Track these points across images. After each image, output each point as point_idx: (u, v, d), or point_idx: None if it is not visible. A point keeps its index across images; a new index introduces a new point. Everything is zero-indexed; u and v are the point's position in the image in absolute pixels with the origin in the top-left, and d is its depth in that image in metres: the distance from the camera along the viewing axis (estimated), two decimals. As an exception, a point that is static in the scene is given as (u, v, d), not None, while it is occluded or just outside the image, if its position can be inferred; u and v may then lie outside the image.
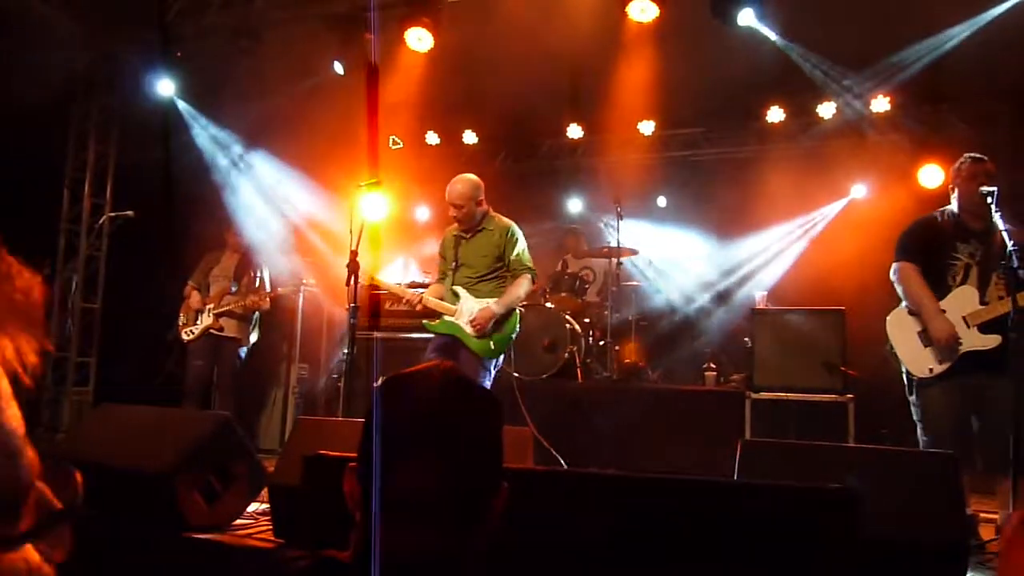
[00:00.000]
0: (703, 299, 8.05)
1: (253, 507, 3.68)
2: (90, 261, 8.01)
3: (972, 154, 3.97)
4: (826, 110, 7.66)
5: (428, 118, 8.55)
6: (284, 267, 6.90)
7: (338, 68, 7.37)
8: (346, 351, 4.53)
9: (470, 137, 9.04)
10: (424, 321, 4.87)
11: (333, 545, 1.09)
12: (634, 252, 7.43)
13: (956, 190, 3.98)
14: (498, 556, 1.09)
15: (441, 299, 4.78)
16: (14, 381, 0.65)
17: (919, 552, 2.42)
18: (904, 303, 3.98)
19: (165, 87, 7.51)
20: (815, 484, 1.99)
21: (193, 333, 6.20)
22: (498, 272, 4.75)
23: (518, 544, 1.36)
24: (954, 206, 4.00)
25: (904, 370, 3.92)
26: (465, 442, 1.06)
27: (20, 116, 6.02)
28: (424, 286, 5.44)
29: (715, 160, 8.61)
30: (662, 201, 8.57)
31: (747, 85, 7.31)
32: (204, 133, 8.04)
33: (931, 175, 6.97)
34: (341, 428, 3.52)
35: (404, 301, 4.69)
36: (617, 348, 6.75)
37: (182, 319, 6.30)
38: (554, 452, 4.86)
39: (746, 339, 5.87)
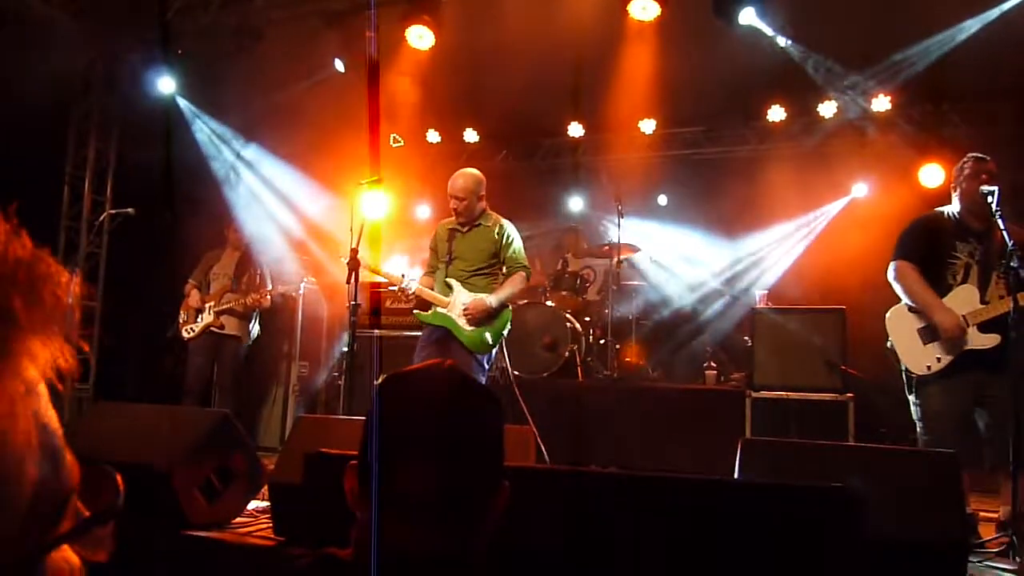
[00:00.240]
0: (704, 298, 8.05)
1: (253, 505, 3.68)
2: (90, 258, 8.01)
3: (975, 154, 3.97)
4: (827, 109, 7.66)
5: (429, 116, 8.55)
6: (284, 265, 6.89)
7: (339, 66, 7.37)
8: (347, 349, 4.53)
9: (471, 135, 9.04)
10: (415, 311, 4.88)
11: (333, 543, 1.09)
12: (636, 249, 7.43)
13: (958, 189, 3.98)
14: (499, 554, 1.09)
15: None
16: (50, 385, 0.65)
17: (919, 551, 2.42)
18: (904, 300, 3.97)
19: (166, 85, 7.51)
20: (817, 483, 1.99)
21: (193, 331, 6.20)
22: (492, 268, 4.78)
23: (518, 542, 1.36)
24: (955, 205, 3.99)
25: (903, 368, 3.92)
26: (466, 440, 1.06)
27: (21, 114, 6.02)
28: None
29: (716, 159, 8.61)
30: (663, 200, 8.58)
31: (748, 84, 7.32)
32: (205, 131, 8.05)
33: (932, 174, 6.97)
34: (341, 426, 3.52)
35: (399, 290, 4.69)
36: (618, 347, 6.75)
37: (182, 317, 6.29)
38: (542, 447, 4.86)
39: (746, 338, 5.87)
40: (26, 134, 6.49)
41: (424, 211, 9.12)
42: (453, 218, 4.89)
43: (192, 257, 6.58)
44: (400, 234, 7.81)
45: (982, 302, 3.77)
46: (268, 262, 6.59)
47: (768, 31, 6.42)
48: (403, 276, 4.76)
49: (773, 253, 8.08)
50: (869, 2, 6.27)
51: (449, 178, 4.88)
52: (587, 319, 6.98)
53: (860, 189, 7.78)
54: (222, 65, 7.46)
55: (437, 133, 9.10)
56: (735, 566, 1.90)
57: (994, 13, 6.07)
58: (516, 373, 6.36)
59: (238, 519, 3.51)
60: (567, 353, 6.31)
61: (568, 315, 6.55)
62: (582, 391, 6.25)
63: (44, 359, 0.62)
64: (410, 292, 4.70)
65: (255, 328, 6.40)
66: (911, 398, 3.91)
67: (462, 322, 4.62)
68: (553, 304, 6.73)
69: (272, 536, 3.24)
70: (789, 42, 6.67)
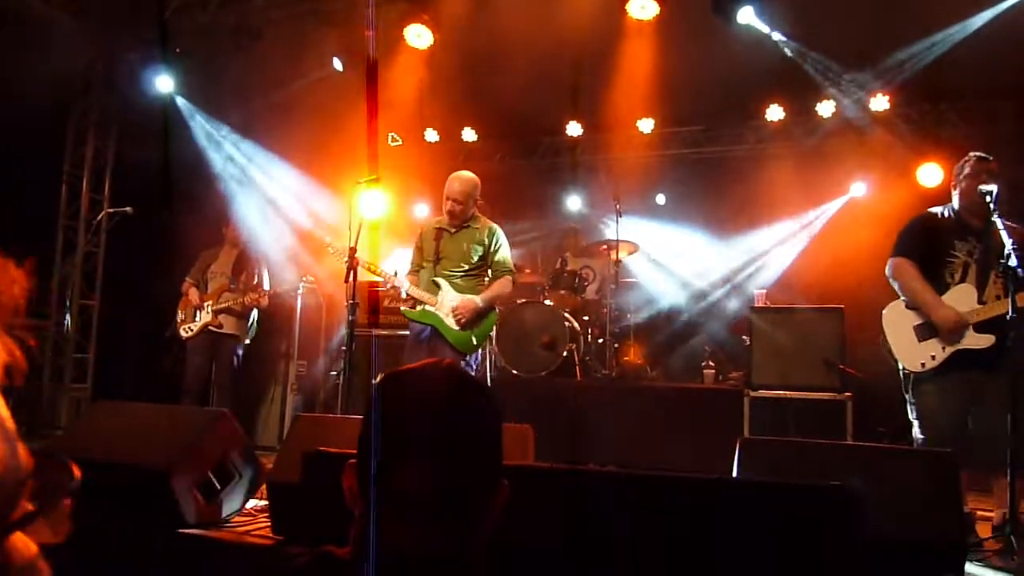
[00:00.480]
0: (702, 297, 8.05)
1: (251, 504, 3.68)
2: (88, 257, 8.00)
3: (977, 152, 3.97)
4: (826, 108, 7.67)
5: (428, 115, 8.55)
6: (282, 264, 6.89)
7: (337, 65, 7.37)
8: (345, 348, 4.53)
9: (469, 134, 9.04)
10: (403, 309, 4.91)
11: (332, 542, 1.09)
12: (634, 248, 7.44)
13: (958, 188, 3.98)
14: (497, 552, 1.09)
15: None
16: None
17: (916, 550, 2.42)
18: (902, 297, 3.97)
19: (164, 84, 7.50)
20: (816, 482, 1.99)
21: (192, 330, 6.19)
22: (479, 270, 4.86)
23: (516, 541, 1.36)
24: (955, 204, 4.00)
25: (900, 367, 3.92)
26: (464, 439, 1.06)
27: (19, 112, 6.01)
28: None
29: (714, 158, 8.62)
30: (661, 199, 8.57)
31: (747, 83, 7.32)
32: (203, 129, 8.04)
33: (930, 173, 6.98)
34: (340, 425, 3.52)
35: (390, 287, 4.72)
36: (616, 346, 6.75)
37: (180, 316, 6.28)
38: None
39: (744, 337, 5.87)
40: (24, 133, 6.48)
41: (422, 210, 9.12)
42: (440, 218, 4.97)
43: (190, 256, 6.58)
44: (398, 233, 7.80)
45: (979, 302, 3.78)
46: (266, 261, 6.58)
47: (767, 30, 6.42)
48: (395, 274, 4.80)
49: (771, 252, 8.08)
50: (868, 1, 6.27)
51: (447, 177, 4.91)
52: (585, 318, 6.98)
53: (859, 188, 7.79)
54: (220, 64, 7.46)
55: (436, 132, 9.10)
56: (734, 565, 1.90)
57: (992, 12, 6.07)
58: (515, 372, 6.38)
59: (236, 518, 3.51)
60: (565, 352, 6.32)
61: (566, 314, 6.55)
62: (580, 390, 6.25)
63: None
64: (400, 289, 4.75)
65: (253, 327, 6.39)
66: (908, 397, 3.91)
67: (450, 321, 4.69)
68: (551, 303, 6.73)
69: (270, 535, 3.24)
70: (788, 41, 6.67)
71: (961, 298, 3.80)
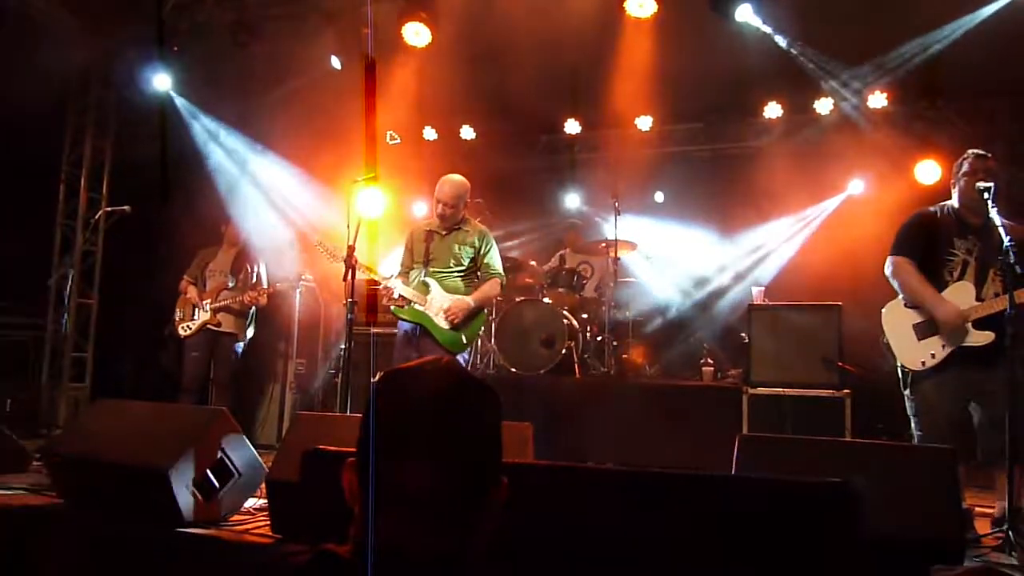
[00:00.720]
0: (700, 294, 8.06)
1: (250, 503, 3.68)
2: (86, 256, 8.00)
3: (975, 150, 3.97)
4: (824, 106, 7.67)
5: (426, 113, 8.54)
6: (281, 262, 6.88)
7: (335, 63, 7.36)
8: (343, 346, 4.54)
9: (468, 132, 9.03)
10: (392, 307, 4.94)
11: (331, 540, 1.09)
12: (633, 246, 7.44)
13: (957, 185, 3.97)
14: (497, 550, 1.09)
15: None
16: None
17: (915, 546, 2.42)
18: (901, 296, 3.98)
19: (161, 82, 7.49)
20: (815, 479, 1.99)
21: (190, 328, 6.18)
22: (469, 272, 4.94)
23: (516, 538, 1.36)
24: (954, 201, 3.99)
25: (899, 364, 3.93)
26: (464, 437, 1.06)
27: (17, 111, 6.00)
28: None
29: (713, 156, 8.62)
30: (660, 196, 8.58)
31: (745, 81, 7.32)
32: (201, 128, 8.02)
33: (928, 171, 6.98)
34: (339, 423, 3.52)
35: (382, 286, 4.76)
36: (615, 343, 6.75)
37: (179, 314, 6.27)
38: None
39: (743, 334, 5.87)
40: (22, 131, 6.48)
41: (421, 208, 9.11)
42: (429, 220, 5.06)
43: (188, 254, 6.57)
44: (397, 232, 7.80)
45: (978, 299, 3.78)
46: (264, 259, 6.57)
47: (765, 28, 6.42)
48: (390, 275, 4.84)
49: (770, 250, 8.08)
50: (866, -1, 6.28)
51: (446, 175, 4.96)
52: (584, 316, 6.98)
53: (857, 186, 7.79)
54: (218, 62, 7.45)
55: (434, 130, 9.09)
56: (733, 562, 1.91)
57: (990, 9, 6.08)
58: (513, 370, 6.38)
59: (235, 516, 3.52)
60: (564, 350, 6.32)
61: (565, 312, 6.55)
62: (579, 388, 6.26)
63: None
64: (394, 289, 4.79)
65: (252, 325, 6.38)
66: (906, 393, 3.92)
67: (439, 319, 4.75)
68: (550, 301, 6.73)
69: (269, 533, 3.25)
70: (786, 39, 6.67)
71: (959, 296, 3.80)
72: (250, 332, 6.37)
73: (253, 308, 6.31)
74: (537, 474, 2.21)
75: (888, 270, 3.99)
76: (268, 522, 3.34)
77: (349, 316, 4.43)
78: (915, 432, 3.86)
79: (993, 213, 3.61)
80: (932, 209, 4.07)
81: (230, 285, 6.24)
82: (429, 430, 1.04)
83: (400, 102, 7.31)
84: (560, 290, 7.04)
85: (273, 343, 7.21)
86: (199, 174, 7.78)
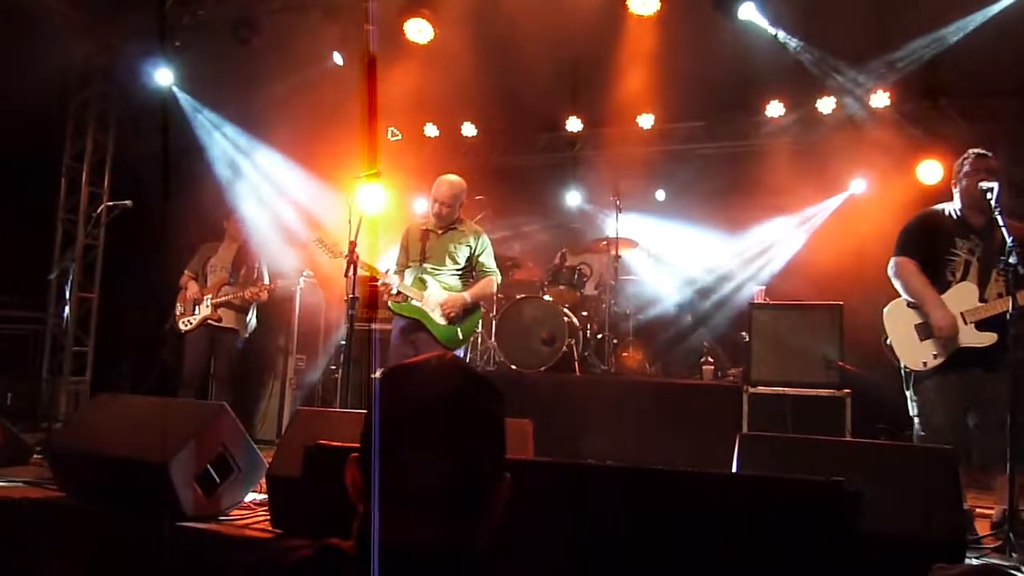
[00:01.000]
0: (701, 293, 8.04)
1: (251, 497, 3.69)
2: (87, 251, 7.99)
3: (976, 149, 3.96)
4: (826, 105, 7.65)
5: (427, 110, 8.53)
6: (282, 258, 6.88)
7: (337, 59, 7.35)
8: (344, 342, 4.56)
9: (469, 129, 9.01)
10: (390, 303, 4.97)
11: (332, 535, 1.09)
12: (634, 244, 7.42)
13: (959, 185, 3.97)
14: (498, 545, 1.09)
15: None
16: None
17: (915, 547, 2.42)
18: (903, 296, 3.97)
19: (163, 77, 7.49)
20: (815, 478, 1.99)
21: (191, 324, 6.18)
22: (464, 271, 5.03)
23: (516, 535, 1.36)
24: (956, 201, 3.99)
25: (901, 364, 3.93)
26: (467, 433, 1.06)
27: (18, 106, 6.00)
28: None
29: (714, 154, 8.59)
30: (661, 195, 8.56)
31: (747, 79, 7.31)
32: (202, 123, 8.02)
33: (930, 171, 6.97)
34: (339, 419, 3.52)
35: (380, 283, 4.80)
36: (615, 341, 6.75)
37: (179, 309, 6.27)
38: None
39: (743, 333, 5.87)
40: (23, 126, 6.47)
41: (422, 205, 9.10)
42: (426, 219, 5.13)
43: (189, 249, 6.56)
44: (398, 228, 7.79)
45: (981, 300, 3.78)
46: (266, 255, 6.57)
47: (767, 26, 6.41)
48: (388, 271, 4.91)
49: (771, 249, 8.07)
50: (868, -2, 6.27)
51: (447, 172, 5.03)
52: (584, 314, 6.98)
53: (858, 185, 7.78)
54: (220, 57, 7.44)
55: (435, 127, 9.08)
56: (733, 559, 1.91)
57: (994, 9, 6.07)
58: (513, 367, 6.38)
59: (235, 511, 3.52)
60: (564, 348, 6.32)
61: (565, 310, 6.55)
62: (579, 386, 6.26)
63: None
64: (392, 285, 4.83)
65: (252, 321, 6.38)
66: (908, 393, 3.92)
67: (436, 315, 4.84)
68: (551, 299, 6.73)
69: (269, 528, 3.25)
70: (788, 37, 6.65)
71: (962, 296, 3.80)
72: (251, 328, 6.36)
73: (254, 304, 6.31)
74: (537, 470, 2.21)
75: (891, 270, 3.99)
76: (268, 517, 3.35)
77: (350, 312, 4.44)
78: (917, 432, 3.86)
79: (997, 213, 3.61)
80: (934, 209, 4.06)
81: (231, 281, 6.24)
82: (433, 426, 1.04)
83: (401, 98, 7.30)
84: (560, 288, 7.05)
85: (273, 339, 7.21)
86: (201, 169, 7.77)
